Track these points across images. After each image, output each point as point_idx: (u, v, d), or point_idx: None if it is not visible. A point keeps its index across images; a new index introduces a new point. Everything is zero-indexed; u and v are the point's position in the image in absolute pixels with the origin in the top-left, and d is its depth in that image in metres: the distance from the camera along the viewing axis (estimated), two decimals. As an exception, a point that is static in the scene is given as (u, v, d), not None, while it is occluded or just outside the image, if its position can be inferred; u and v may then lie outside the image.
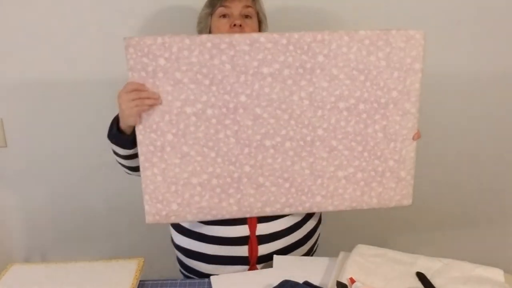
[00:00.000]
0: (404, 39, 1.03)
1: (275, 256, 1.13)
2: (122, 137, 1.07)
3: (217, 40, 0.98)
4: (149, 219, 1.08)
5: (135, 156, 1.09)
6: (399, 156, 1.10)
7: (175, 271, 1.32)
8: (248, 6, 1.15)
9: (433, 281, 0.98)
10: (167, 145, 1.03)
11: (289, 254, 1.19)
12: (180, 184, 1.05)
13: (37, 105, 1.51)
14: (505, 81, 1.65)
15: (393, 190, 1.13)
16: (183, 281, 1.09)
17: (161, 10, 1.46)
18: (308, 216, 1.23)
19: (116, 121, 1.08)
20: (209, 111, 1.02)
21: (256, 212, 1.09)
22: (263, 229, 1.14)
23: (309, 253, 1.27)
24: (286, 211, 1.10)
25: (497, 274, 1.01)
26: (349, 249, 1.11)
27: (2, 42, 1.45)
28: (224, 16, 1.15)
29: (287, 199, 1.09)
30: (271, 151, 1.06)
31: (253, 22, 1.18)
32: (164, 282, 1.09)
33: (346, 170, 1.10)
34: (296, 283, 0.97)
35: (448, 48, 1.59)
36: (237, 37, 0.99)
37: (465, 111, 1.67)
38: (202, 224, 1.15)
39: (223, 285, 1.05)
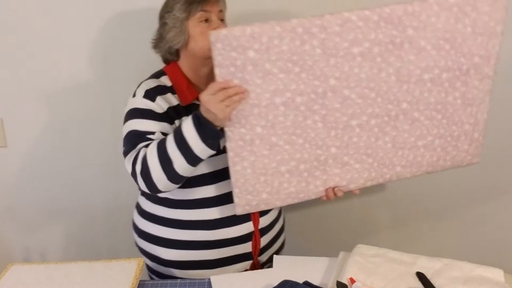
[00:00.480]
0: (490, 2, 1.01)
1: (275, 256, 1.15)
2: (221, 135, 0.99)
3: (308, 24, 0.93)
4: (238, 210, 1.06)
5: (201, 160, 1.02)
6: (474, 119, 1.10)
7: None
8: (221, 11, 1.13)
9: (433, 281, 0.98)
10: (256, 138, 1.00)
11: (277, 242, 1.29)
12: (269, 174, 1.03)
13: (37, 105, 1.51)
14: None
15: (466, 151, 1.14)
16: (183, 281, 1.09)
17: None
18: None
19: (197, 124, 0.97)
20: (298, 99, 0.98)
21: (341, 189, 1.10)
22: (263, 222, 1.20)
23: (283, 236, 1.35)
24: (368, 184, 1.11)
25: (497, 274, 1.01)
26: (349, 249, 1.11)
27: (2, 42, 1.45)
28: (205, 20, 1.10)
29: (369, 174, 1.09)
30: (357, 130, 1.04)
31: (225, 26, 1.16)
32: (164, 282, 1.09)
33: (426, 139, 1.09)
34: (296, 283, 0.97)
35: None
36: (328, 18, 0.94)
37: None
38: (202, 231, 1.15)
39: (223, 285, 1.05)
